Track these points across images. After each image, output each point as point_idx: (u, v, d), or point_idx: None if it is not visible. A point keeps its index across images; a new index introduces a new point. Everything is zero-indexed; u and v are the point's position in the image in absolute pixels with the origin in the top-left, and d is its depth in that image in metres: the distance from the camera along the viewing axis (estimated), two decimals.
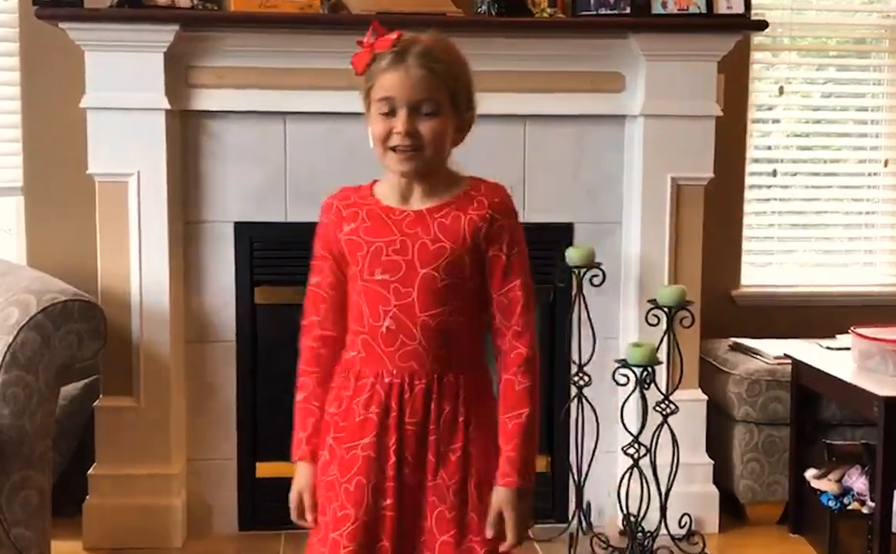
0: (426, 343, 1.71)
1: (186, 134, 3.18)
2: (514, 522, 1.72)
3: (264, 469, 3.28)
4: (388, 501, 1.71)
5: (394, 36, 1.71)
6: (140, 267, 3.11)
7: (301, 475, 1.83)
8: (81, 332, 2.77)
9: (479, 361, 1.79)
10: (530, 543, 3.14)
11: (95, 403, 3.17)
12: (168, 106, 3.06)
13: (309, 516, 1.81)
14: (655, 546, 3.09)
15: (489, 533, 1.72)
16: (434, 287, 1.70)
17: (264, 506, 3.28)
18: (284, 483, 3.26)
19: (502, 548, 1.73)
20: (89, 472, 3.15)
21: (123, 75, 3.04)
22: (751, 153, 3.84)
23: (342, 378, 1.78)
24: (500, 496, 1.72)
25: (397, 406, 1.71)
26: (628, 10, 3.18)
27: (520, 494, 1.72)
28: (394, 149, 1.70)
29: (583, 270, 3.12)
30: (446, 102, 1.71)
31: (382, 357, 1.72)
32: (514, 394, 1.73)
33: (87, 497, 3.14)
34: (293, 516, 1.84)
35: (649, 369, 2.99)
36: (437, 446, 1.72)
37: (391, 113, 1.70)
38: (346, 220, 1.76)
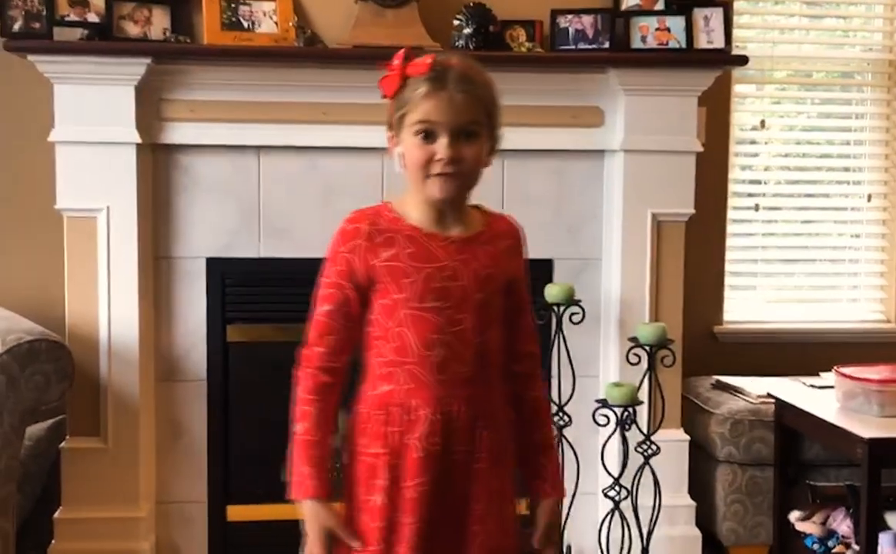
0: (476, 368, 1.72)
1: (158, 168, 3.12)
2: (557, 530, 1.88)
3: (235, 513, 3.21)
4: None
5: (428, 60, 1.68)
6: (109, 304, 3.04)
7: (321, 513, 1.70)
8: (48, 372, 2.72)
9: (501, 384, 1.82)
10: None
11: (62, 445, 3.09)
12: (139, 140, 3.01)
13: (356, 543, 1.70)
14: None
15: (544, 546, 1.81)
16: (486, 313, 1.73)
17: (235, 551, 3.20)
18: (256, 527, 3.26)
19: None
20: (55, 515, 3.07)
21: (93, 109, 2.99)
22: (733, 187, 3.80)
23: (382, 414, 1.70)
24: (551, 507, 1.82)
25: (447, 434, 1.70)
26: (607, 45, 3.16)
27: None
28: (436, 175, 1.67)
29: (562, 308, 3.07)
30: (484, 125, 1.70)
31: (433, 385, 1.69)
32: (544, 410, 1.89)
33: (53, 542, 3.06)
34: None
35: (630, 410, 2.94)
36: (486, 475, 1.74)
37: (430, 138, 1.67)
38: (383, 246, 1.69)
